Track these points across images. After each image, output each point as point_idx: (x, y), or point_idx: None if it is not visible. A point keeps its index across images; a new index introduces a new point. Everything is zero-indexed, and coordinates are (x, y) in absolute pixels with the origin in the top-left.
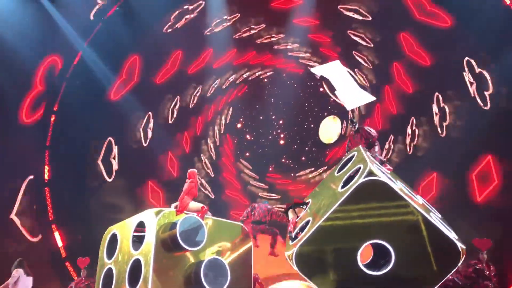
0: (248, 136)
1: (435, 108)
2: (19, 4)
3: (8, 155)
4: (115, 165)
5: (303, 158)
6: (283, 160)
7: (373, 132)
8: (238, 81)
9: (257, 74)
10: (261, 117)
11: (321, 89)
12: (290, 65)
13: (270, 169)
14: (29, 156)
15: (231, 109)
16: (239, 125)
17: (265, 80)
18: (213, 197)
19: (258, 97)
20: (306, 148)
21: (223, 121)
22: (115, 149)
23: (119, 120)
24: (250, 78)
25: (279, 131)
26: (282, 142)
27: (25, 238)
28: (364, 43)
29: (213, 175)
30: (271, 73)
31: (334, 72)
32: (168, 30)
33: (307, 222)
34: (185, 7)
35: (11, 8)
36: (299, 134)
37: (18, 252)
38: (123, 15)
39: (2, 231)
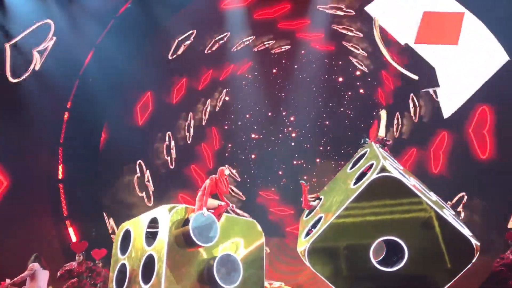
0: (253, 135)
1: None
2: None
3: None
4: None
5: (318, 160)
6: (294, 162)
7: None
8: (235, 49)
9: (265, 44)
10: (269, 113)
11: (340, 79)
12: (316, 35)
13: (280, 172)
14: None
15: (224, 92)
16: (239, 122)
17: (276, 66)
18: None
19: (264, 79)
20: (321, 148)
21: (208, 107)
22: None
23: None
24: (255, 49)
25: (290, 129)
26: (293, 143)
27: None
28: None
29: (151, 204)
30: (287, 47)
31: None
32: None
33: (320, 219)
34: None
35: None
36: (312, 132)
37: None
38: None
39: None
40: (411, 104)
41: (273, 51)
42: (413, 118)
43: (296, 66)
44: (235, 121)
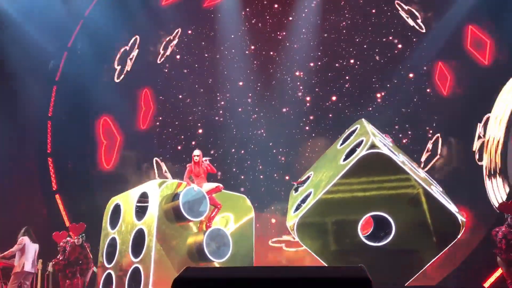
0: (230, 117)
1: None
2: None
3: None
4: None
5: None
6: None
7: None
8: None
9: None
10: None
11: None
12: None
13: (260, 167)
14: None
15: (179, 31)
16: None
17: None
18: None
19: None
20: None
21: (134, 53)
22: None
23: None
24: None
25: (278, 106)
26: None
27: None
28: None
29: (118, 80)
30: None
31: None
32: None
33: (309, 194)
34: None
35: None
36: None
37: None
38: None
39: None
40: None
41: None
42: None
43: (298, 16)
44: (186, 88)
